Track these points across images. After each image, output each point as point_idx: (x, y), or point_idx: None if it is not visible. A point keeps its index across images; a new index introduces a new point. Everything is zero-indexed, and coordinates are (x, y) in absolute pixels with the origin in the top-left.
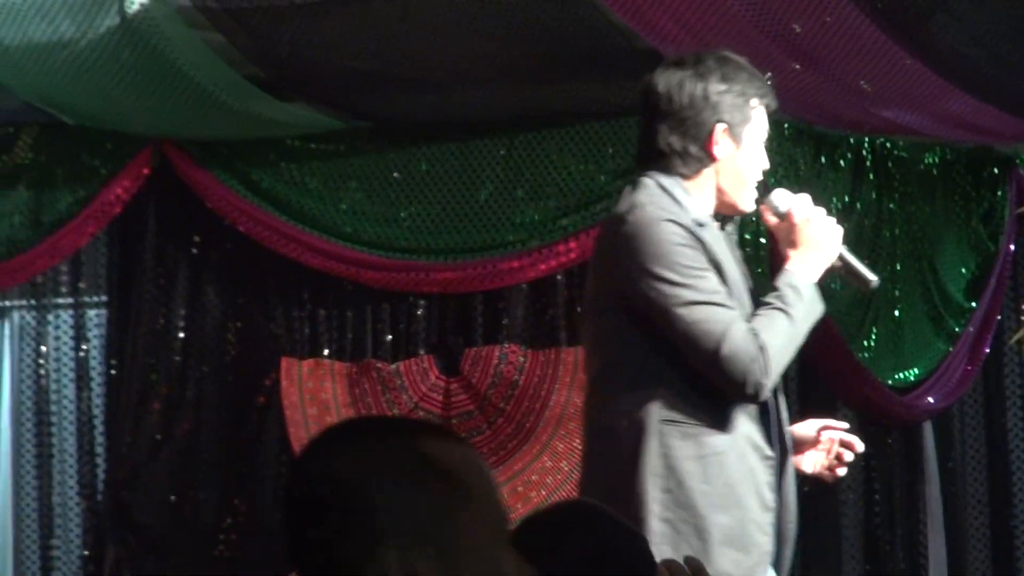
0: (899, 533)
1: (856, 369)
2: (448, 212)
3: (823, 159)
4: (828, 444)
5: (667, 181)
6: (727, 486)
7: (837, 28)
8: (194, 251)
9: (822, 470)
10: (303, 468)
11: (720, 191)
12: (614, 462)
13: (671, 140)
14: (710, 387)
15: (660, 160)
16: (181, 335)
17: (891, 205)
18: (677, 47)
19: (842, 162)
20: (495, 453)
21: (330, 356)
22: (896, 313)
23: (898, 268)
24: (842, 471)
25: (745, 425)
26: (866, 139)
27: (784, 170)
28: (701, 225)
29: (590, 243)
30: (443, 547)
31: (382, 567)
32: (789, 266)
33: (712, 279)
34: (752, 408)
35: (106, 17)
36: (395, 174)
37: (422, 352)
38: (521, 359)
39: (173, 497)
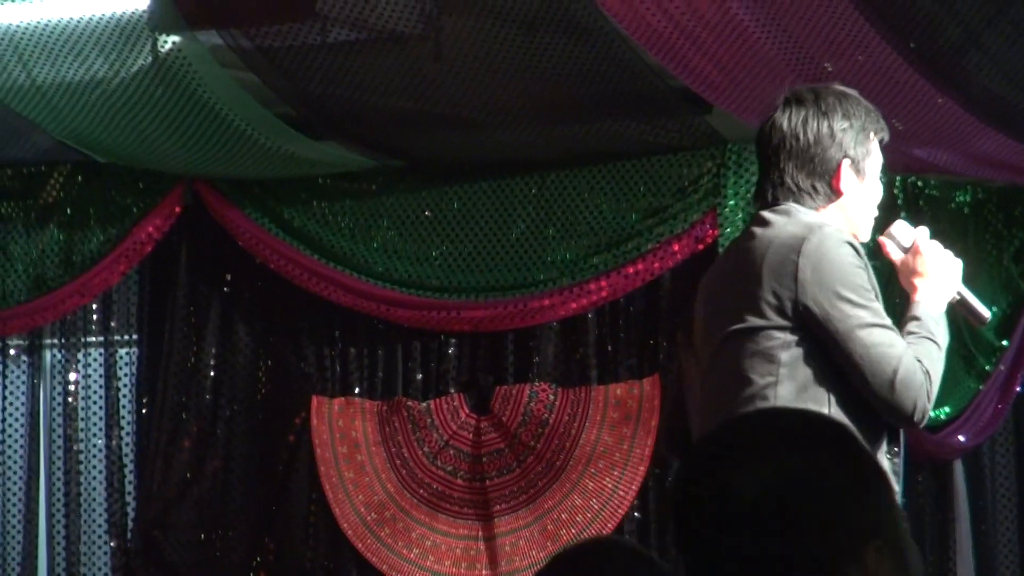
0: (930, 571)
1: None
2: (479, 251)
3: None
4: None
5: (808, 214)
6: None
7: (869, 67)
8: (225, 289)
9: None
10: (778, 468)
11: (846, 222)
12: None
13: (799, 178)
14: (865, 411)
15: (788, 197)
16: (212, 373)
17: None
18: (709, 86)
19: None
20: (525, 491)
21: (360, 394)
22: None
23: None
24: None
25: (884, 446)
26: (897, 177)
27: None
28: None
29: (621, 281)
30: (895, 541)
31: (864, 566)
32: (919, 297)
33: (881, 304)
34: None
35: (139, 56)
36: (427, 212)
37: (453, 390)
38: (551, 397)
39: (203, 535)
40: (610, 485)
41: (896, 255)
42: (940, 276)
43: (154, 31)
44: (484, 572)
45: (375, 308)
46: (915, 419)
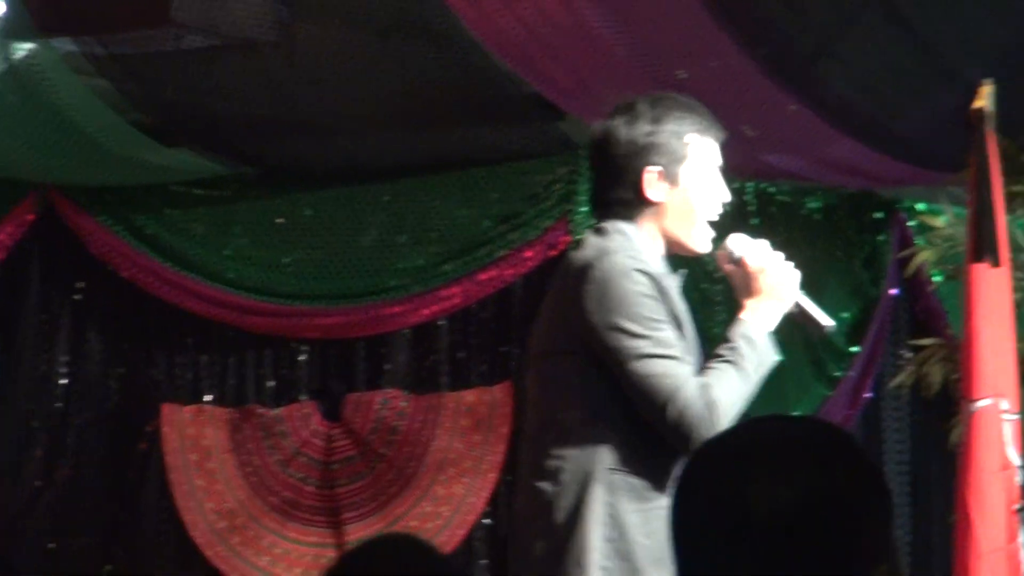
0: None
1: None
2: (331, 258)
3: None
4: None
5: (628, 228)
6: (666, 542)
7: (722, 73)
8: (77, 297)
9: None
10: (789, 486)
11: (666, 233)
12: (559, 505)
13: (611, 190)
14: (660, 440)
15: (610, 209)
16: (63, 381)
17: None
18: (562, 93)
19: (725, 206)
20: (375, 499)
21: (212, 402)
22: (778, 357)
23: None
24: None
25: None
26: (749, 184)
27: None
28: (663, 275)
29: (473, 288)
30: (898, 564)
31: None
32: (744, 315)
33: (670, 332)
34: None
35: None
36: (279, 220)
37: (304, 397)
38: (403, 404)
39: (53, 544)
40: (460, 492)
41: (729, 269)
42: (768, 292)
43: (7, 38)
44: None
45: (227, 315)
46: (689, 445)
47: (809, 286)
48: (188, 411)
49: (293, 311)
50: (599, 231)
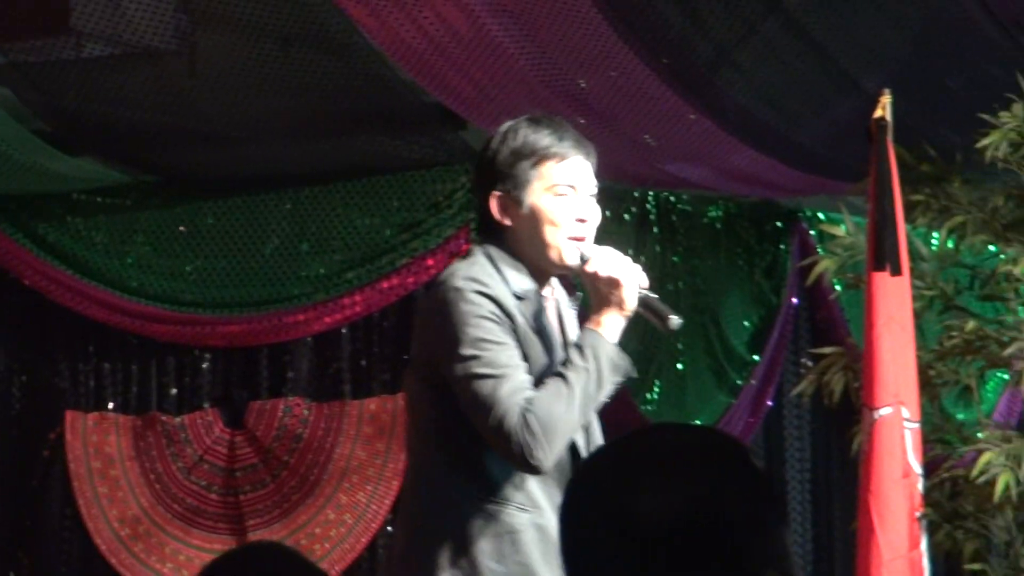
0: None
1: (639, 421)
2: (234, 266)
3: (607, 213)
4: None
5: (495, 252)
6: (521, 565)
7: (622, 83)
8: None
9: None
10: (674, 494)
11: (523, 255)
12: (415, 527)
13: (480, 215)
14: (507, 462)
15: (481, 232)
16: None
17: (675, 258)
18: (464, 102)
19: (626, 216)
20: (279, 506)
21: (115, 409)
22: (679, 366)
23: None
24: None
25: (551, 500)
26: (650, 193)
27: None
28: (520, 298)
29: (375, 296)
30: (791, 569)
31: None
32: (588, 324)
33: (507, 353)
34: (564, 481)
35: None
36: (181, 228)
37: (207, 405)
38: (305, 412)
39: None
40: (364, 499)
41: (583, 277)
42: (610, 299)
43: None
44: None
45: (129, 323)
46: (523, 464)
47: (711, 295)
48: (91, 418)
49: (196, 319)
50: (465, 254)
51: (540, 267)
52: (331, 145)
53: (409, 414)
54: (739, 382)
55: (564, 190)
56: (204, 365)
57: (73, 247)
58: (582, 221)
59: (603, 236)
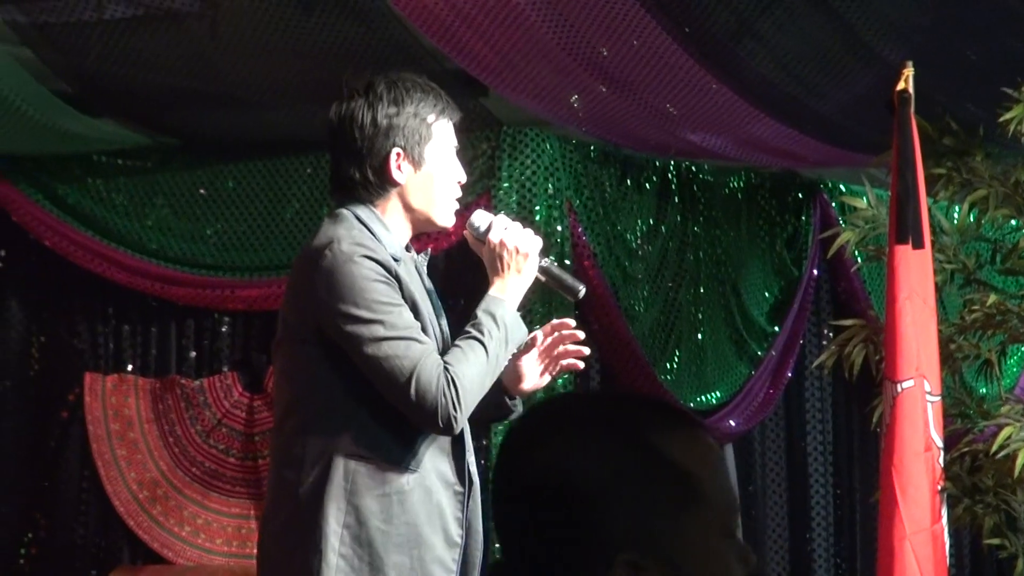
0: None
1: (659, 391)
2: (254, 230)
3: (629, 182)
4: (544, 336)
5: (364, 213)
6: (408, 525)
7: (644, 52)
8: None
9: (547, 364)
10: (539, 458)
11: (411, 211)
12: (300, 493)
13: (353, 172)
14: (400, 424)
15: (351, 192)
16: None
17: (696, 228)
18: (485, 69)
19: (647, 185)
20: None
21: (134, 372)
22: (699, 336)
23: (701, 291)
24: (573, 360)
25: (435, 461)
26: (672, 162)
27: (590, 192)
28: (397, 260)
29: None
30: (670, 555)
31: None
32: (491, 291)
33: (406, 314)
34: (444, 442)
35: None
36: (202, 191)
37: (226, 369)
38: None
39: None
40: None
41: (477, 247)
42: (510, 266)
43: None
44: (255, 551)
45: (149, 286)
46: (440, 426)
47: (731, 265)
48: (110, 380)
49: (215, 282)
50: (333, 217)
51: (424, 222)
52: None
53: (285, 378)
54: (759, 353)
55: (453, 151)
56: (224, 329)
57: (93, 209)
58: (459, 184)
59: (625, 205)
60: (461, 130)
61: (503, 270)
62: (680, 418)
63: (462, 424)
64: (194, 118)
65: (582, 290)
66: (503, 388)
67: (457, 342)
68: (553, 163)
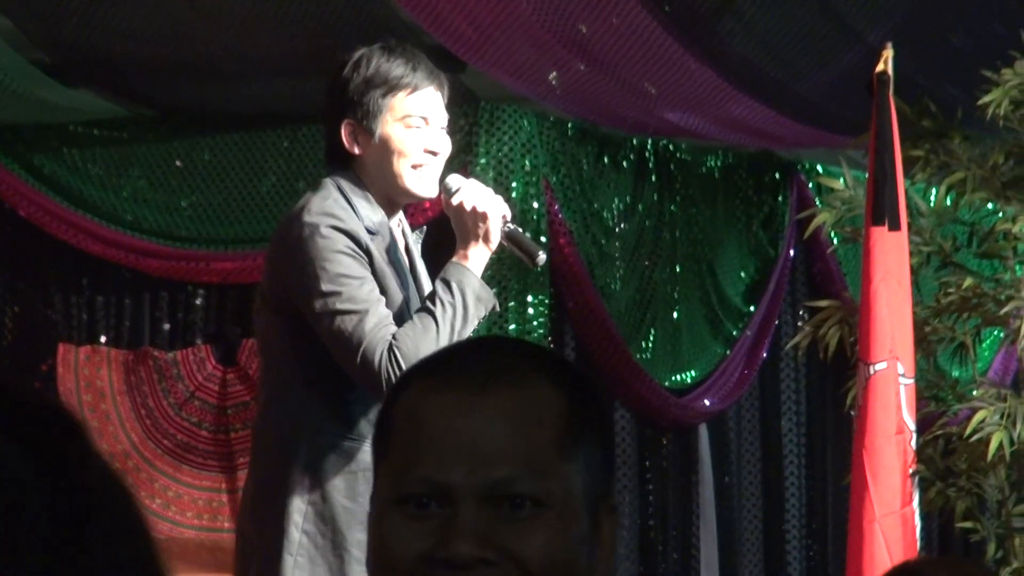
0: (672, 535)
1: (633, 370)
2: (230, 202)
3: (606, 160)
4: None
5: (346, 184)
6: None
7: (624, 30)
8: None
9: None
10: None
11: (372, 185)
12: (267, 466)
13: (328, 145)
14: (368, 399)
15: (331, 164)
16: None
17: (672, 207)
18: (464, 44)
19: (625, 163)
20: None
21: (107, 343)
22: (674, 315)
23: (678, 270)
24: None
25: None
26: (649, 141)
27: (567, 169)
28: (373, 233)
29: None
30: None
31: None
32: (454, 259)
33: (366, 287)
34: None
35: None
36: (178, 163)
37: (200, 341)
38: None
39: None
40: None
41: (448, 210)
42: (474, 232)
43: None
44: (226, 524)
45: (124, 257)
46: None
47: (708, 245)
48: (83, 351)
49: (190, 255)
50: (316, 185)
51: (388, 197)
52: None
53: (263, 349)
54: (735, 333)
55: (415, 122)
56: (198, 301)
57: (69, 179)
58: (431, 153)
59: (602, 183)
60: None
61: (467, 235)
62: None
63: None
64: (171, 89)
65: (542, 256)
66: None
67: (415, 315)
68: (530, 140)
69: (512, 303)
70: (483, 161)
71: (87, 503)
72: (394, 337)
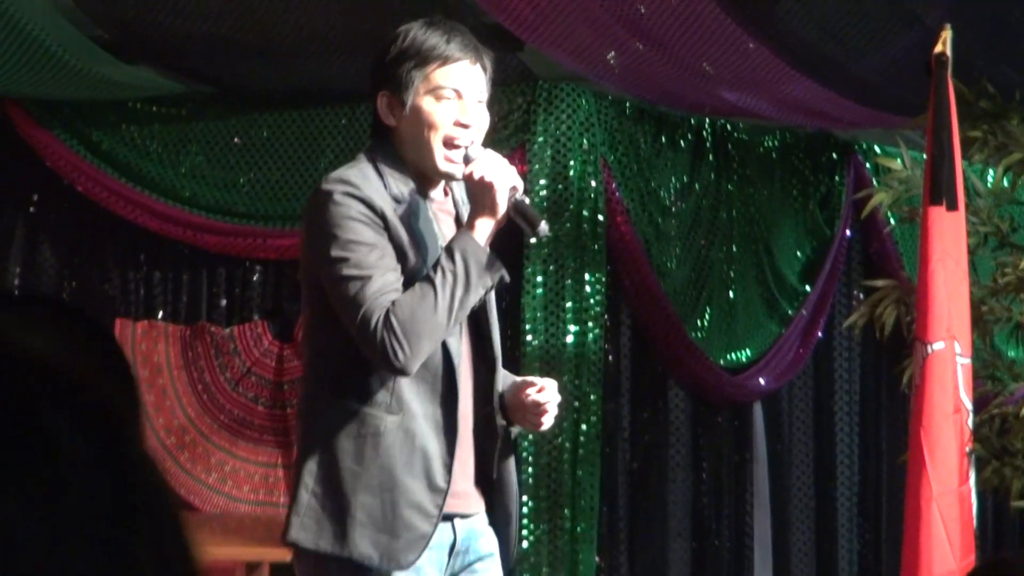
0: (726, 512)
1: (689, 348)
2: (287, 179)
3: (664, 139)
4: (526, 398)
5: (380, 155)
6: (382, 468)
7: (682, 10)
8: (32, 210)
9: (528, 421)
10: None
11: (406, 157)
12: (300, 434)
13: (372, 116)
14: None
15: (375, 134)
16: (15, 294)
17: (729, 187)
18: (522, 24)
19: (682, 143)
20: None
21: (164, 318)
22: (730, 294)
23: (734, 249)
24: (548, 419)
25: (423, 405)
26: (707, 120)
27: (624, 148)
28: (399, 201)
29: None
30: None
31: None
32: (464, 228)
33: (376, 254)
34: (436, 387)
35: None
36: (236, 140)
37: (256, 317)
38: None
39: None
40: None
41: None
42: (484, 202)
43: None
44: (282, 499)
45: (181, 233)
46: (387, 365)
47: (764, 224)
48: (140, 327)
49: (248, 231)
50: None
51: (421, 170)
52: None
53: (304, 320)
54: (790, 312)
55: (448, 93)
56: (255, 277)
57: (127, 155)
58: (463, 126)
59: (659, 162)
60: (496, 84)
61: (476, 204)
62: None
63: (410, 363)
64: (230, 66)
65: (544, 227)
66: (504, 409)
67: (417, 283)
68: (588, 119)
69: (569, 281)
70: (540, 140)
71: (137, 497)
72: (392, 303)
